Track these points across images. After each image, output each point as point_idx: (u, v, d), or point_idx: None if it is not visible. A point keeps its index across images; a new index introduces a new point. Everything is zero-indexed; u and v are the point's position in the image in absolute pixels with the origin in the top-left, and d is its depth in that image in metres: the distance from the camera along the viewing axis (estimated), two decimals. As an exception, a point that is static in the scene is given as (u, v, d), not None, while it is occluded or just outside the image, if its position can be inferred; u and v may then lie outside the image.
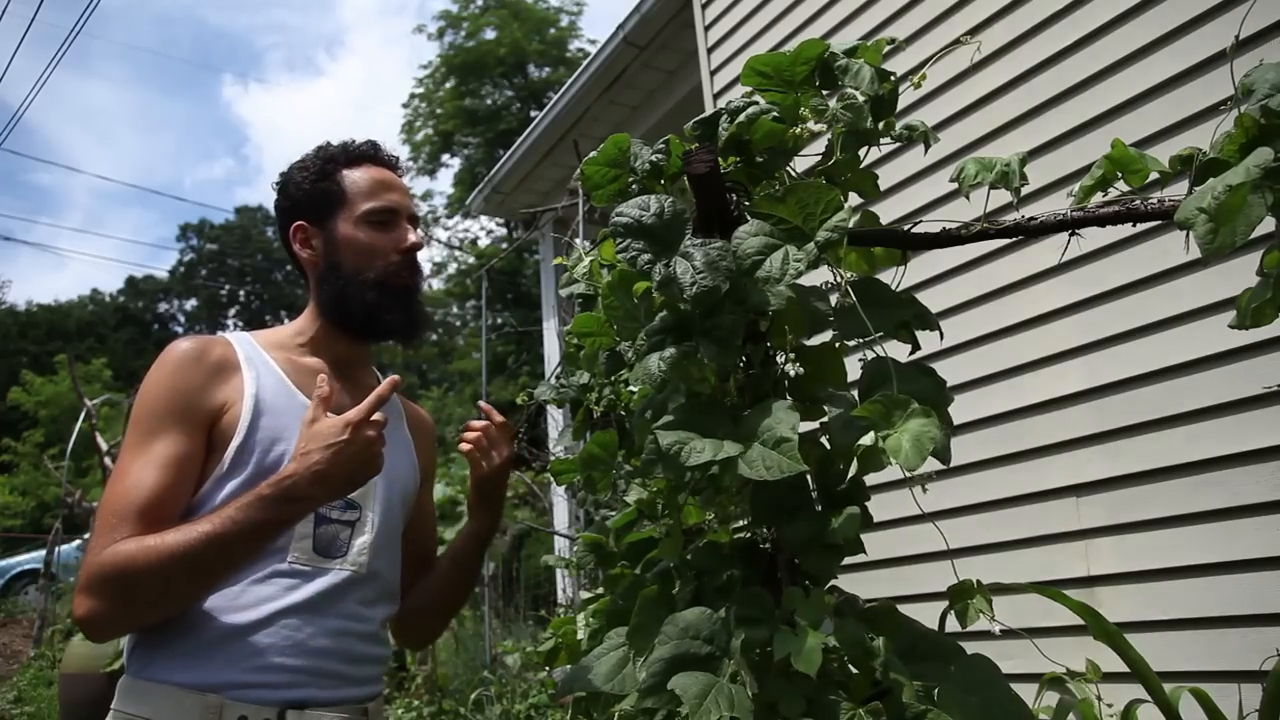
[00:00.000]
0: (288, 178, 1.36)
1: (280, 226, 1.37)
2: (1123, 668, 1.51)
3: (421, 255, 1.38)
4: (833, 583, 1.03)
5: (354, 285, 1.30)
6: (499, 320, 17.69)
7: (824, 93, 1.04)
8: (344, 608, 1.20)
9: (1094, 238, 2.09)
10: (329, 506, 1.20)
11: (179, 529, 1.08)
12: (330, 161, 1.35)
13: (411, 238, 1.33)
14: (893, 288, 1.04)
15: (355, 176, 1.34)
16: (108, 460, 7.52)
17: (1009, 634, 1.15)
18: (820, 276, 1.10)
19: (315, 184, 1.33)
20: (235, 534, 1.07)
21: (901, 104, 1.11)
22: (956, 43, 1.29)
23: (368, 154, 1.37)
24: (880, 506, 1.07)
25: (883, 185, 1.21)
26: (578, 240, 4.60)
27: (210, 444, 1.18)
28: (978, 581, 1.04)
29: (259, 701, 1.10)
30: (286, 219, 1.35)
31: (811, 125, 1.04)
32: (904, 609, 1.00)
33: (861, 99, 0.98)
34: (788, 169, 1.09)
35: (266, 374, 1.25)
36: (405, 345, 1.38)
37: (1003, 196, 0.99)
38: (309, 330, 1.34)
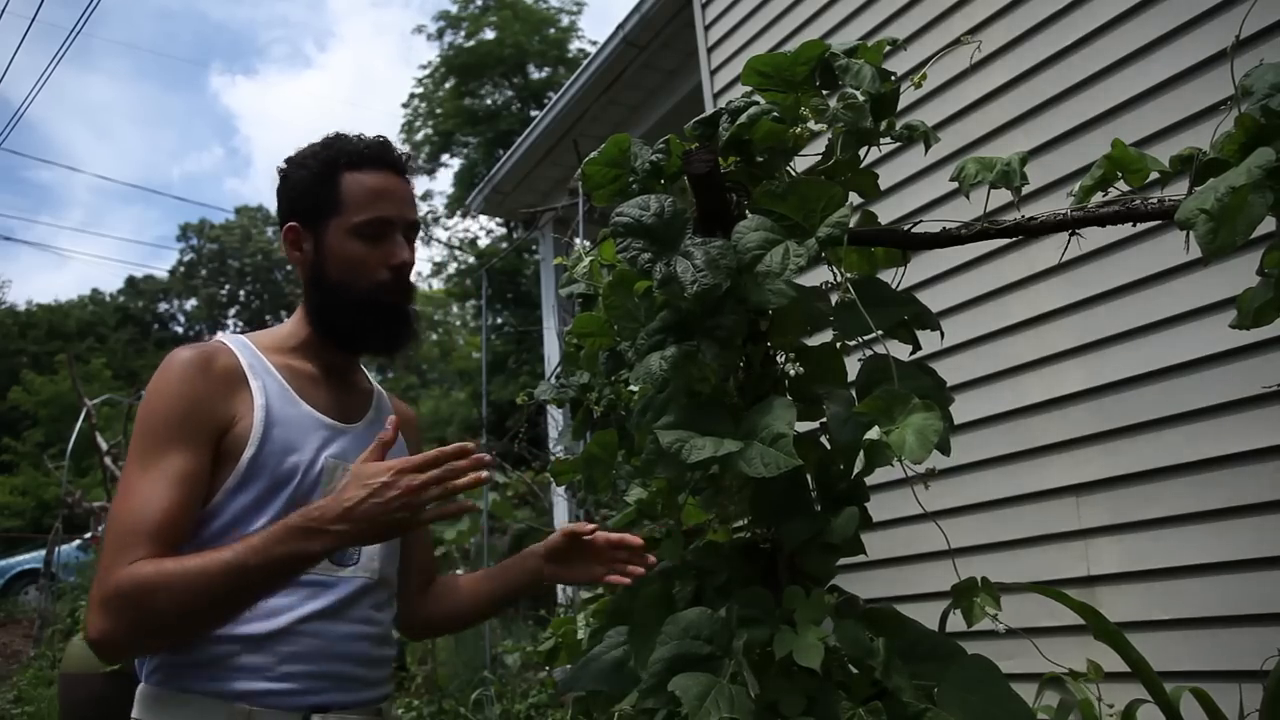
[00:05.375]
0: (288, 171, 1.31)
1: (279, 217, 1.32)
2: (1123, 667, 1.51)
3: (418, 256, 1.33)
4: (833, 583, 1.03)
5: (338, 302, 1.26)
6: (499, 320, 17.70)
7: (824, 92, 1.04)
8: (359, 613, 1.21)
9: (1094, 238, 2.09)
10: None
11: (200, 556, 1.05)
12: (329, 163, 1.27)
13: (403, 255, 1.26)
14: (893, 287, 1.04)
15: (352, 182, 1.26)
16: (108, 460, 7.51)
17: (1009, 634, 1.15)
18: (820, 276, 1.10)
19: (311, 185, 1.27)
20: (256, 564, 1.04)
21: (902, 104, 1.11)
22: (956, 43, 1.29)
23: (370, 156, 1.28)
24: (880, 506, 1.07)
25: (883, 185, 1.21)
26: (578, 240, 4.60)
27: (219, 456, 1.15)
28: (982, 579, 1.04)
29: (286, 708, 1.11)
30: (282, 215, 1.31)
31: (812, 125, 1.05)
32: (904, 609, 1.00)
33: (862, 99, 0.98)
34: (788, 169, 1.09)
35: (271, 383, 1.22)
36: (387, 358, 1.35)
37: (1003, 196, 0.99)
38: (301, 333, 1.30)
